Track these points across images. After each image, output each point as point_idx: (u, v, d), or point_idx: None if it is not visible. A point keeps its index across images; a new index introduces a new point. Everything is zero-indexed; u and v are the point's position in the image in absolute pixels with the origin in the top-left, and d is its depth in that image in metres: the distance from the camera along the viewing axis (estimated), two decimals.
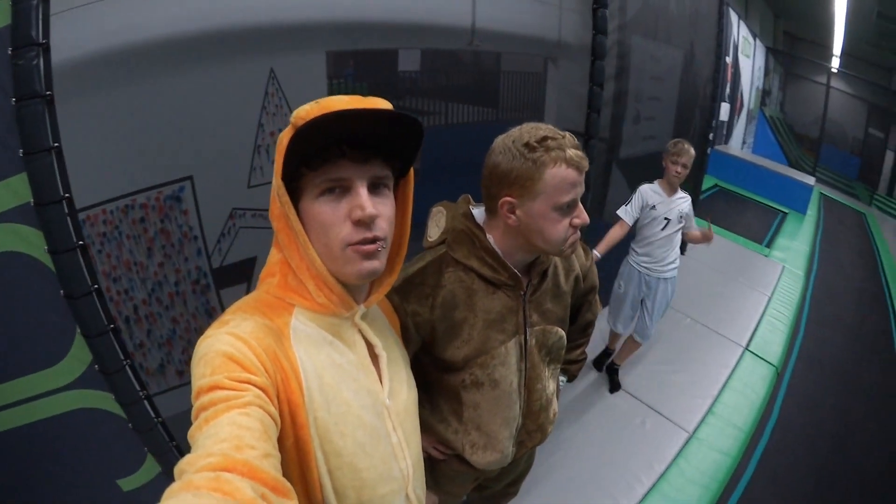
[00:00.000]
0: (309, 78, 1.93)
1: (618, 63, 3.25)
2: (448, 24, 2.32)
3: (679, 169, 2.75)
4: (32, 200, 1.33)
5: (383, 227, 0.73)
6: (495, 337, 1.13)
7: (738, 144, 11.03)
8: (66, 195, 1.36)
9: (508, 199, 1.01)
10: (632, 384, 3.27)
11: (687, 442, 2.89)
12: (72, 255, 1.41)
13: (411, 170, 0.83)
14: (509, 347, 1.14)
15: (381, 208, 0.73)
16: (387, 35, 2.12)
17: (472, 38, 2.35)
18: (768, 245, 6.53)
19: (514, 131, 1.04)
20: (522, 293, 1.14)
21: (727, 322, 4.09)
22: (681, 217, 2.86)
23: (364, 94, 0.72)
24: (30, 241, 1.37)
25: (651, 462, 2.71)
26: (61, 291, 1.44)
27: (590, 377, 3.30)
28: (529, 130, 1.01)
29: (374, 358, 0.83)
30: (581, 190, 1.00)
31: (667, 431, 2.94)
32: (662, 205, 2.85)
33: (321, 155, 0.69)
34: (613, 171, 3.58)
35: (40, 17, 1.23)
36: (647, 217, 2.88)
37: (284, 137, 0.71)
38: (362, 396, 0.77)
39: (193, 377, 0.63)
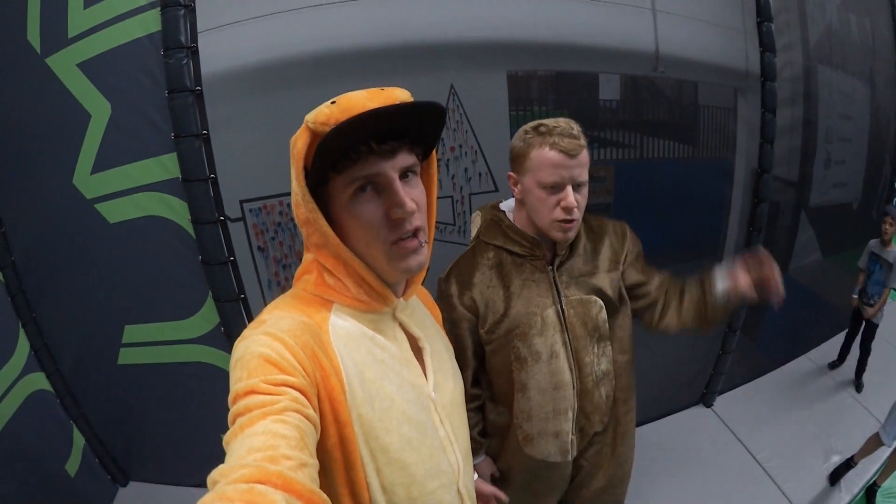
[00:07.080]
0: (488, 95, 1.78)
1: (804, 95, 2.64)
2: (630, 48, 2.04)
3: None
4: (181, 176, 1.41)
5: (420, 217, 0.69)
6: (531, 309, 1.16)
7: None
8: (212, 175, 1.43)
9: (511, 173, 1.12)
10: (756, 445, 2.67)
11: None
12: (212, 227, 1.47)
13: (434, 153, 0.77)
14: (546, 317, 1.16)
15: (414, 195, 0.68)
16: (567, 58, 1.93)
17: (655, 63, 2.04)
18: None
19: None
20: (550, 266, 1.17)
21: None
22: None
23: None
24: (176, 210, 1.46)
25: None
26: (199, 257, 1.48)
27: (699, 419, 2.82)
28: (539, 119, 1.08)
29: (418, 351, 0.78)
30: (568, 174, 1.04)
31: None
32: None
33: (348, 156, 0.64)
34: (802, 219, 2.96)
35: (188, 25, 1.36)
36: None
37: (298, 140, 0.66)
38: (406, 391, 0.72)
39: (231, 380, 0.58)
